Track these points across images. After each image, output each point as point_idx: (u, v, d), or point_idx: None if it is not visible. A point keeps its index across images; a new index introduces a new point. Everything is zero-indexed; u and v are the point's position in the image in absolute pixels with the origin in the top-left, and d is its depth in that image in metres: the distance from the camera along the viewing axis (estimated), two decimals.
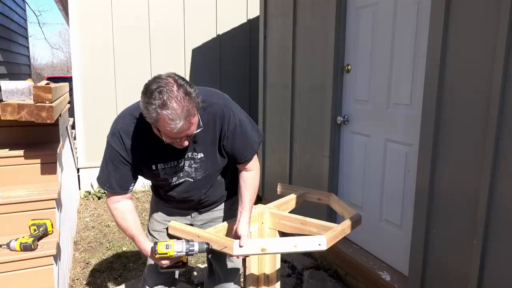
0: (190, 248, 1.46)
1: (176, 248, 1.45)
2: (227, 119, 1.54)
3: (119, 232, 3.77)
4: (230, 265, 1.89)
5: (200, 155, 1.58)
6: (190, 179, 1.63)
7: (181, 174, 1.61)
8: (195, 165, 1.59)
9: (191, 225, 1.76)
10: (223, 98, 1.58)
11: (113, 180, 1.55)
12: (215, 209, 1.80)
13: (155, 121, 1.30)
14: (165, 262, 1.50)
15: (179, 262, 1.55)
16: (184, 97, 1.28)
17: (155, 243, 1.47)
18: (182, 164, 1.58)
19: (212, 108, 1.51)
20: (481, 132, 1.79)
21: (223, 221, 1.78)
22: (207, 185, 1.69)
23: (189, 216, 1.78)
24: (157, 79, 1.32)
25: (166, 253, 1.45)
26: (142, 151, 1.52)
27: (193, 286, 2.78)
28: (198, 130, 1.40)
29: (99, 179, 1.59)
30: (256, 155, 1.68)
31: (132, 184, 1.59)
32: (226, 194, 1.79)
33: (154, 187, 1.80)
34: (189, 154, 1.57)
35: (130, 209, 1.60)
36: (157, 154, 1.53)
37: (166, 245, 1.45)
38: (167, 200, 1.75)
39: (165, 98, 1.26)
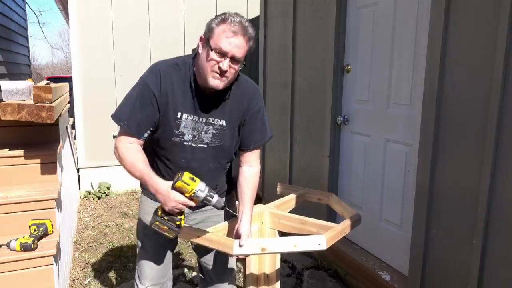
0: (210, 195, 1.38)
1: (199, 187, 1.36)
2: (256, 99, 1.65)
3: (119, 232, 3.77)
4: (222, 265, 1.87)
5: (223, 122, 1.60)
6: (203, 145, 1.60)
7: (196, 136, 1.57)
8: (213, 131, 1.59)
9: None
10: (253, 82, 1.70)
11: (134, 118, 1.50)
12: (208, 207, 1.75)
13: (216, 25, 1.43)
14: (177, 199, 1.37)
15: (175, 224, 1.44)
16: (248, 24, 1.45)
17: (182, 172, 1.38)
18: (204, 123, 1.57)
19: (246, 83, 1.63)
20: (481, 132, 1.79)
21: (215, 220, 1.77)
22: (215, 162, 1.65)
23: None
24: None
25: (189, 185, 1.35)
26: (174, 96, 1.52)
27: (193, 286, 2.78)
28: (240, 67, 1.48)
29: (116, 115, 1.52)
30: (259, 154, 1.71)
31: (148, 132, 1.54)
32: (220, 189, 1.77)
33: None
34: (211, 119, 1.58)
35: (140, 150, 1.53)
36: (187, 103, 1.54)
37: (192, 177, 1.37)
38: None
39: (235, 15, 1.44)
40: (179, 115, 1.54)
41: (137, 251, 1.82)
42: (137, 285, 1.80)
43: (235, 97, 1.58)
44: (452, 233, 1.98)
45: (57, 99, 2.74)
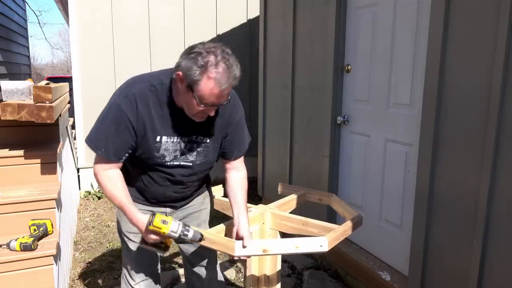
0: (185, 233, 1.40)
1: (172, 227, 1.39)
2: (236, 108, 1.61)
3: None
4: (198, 250, 1.85)
5: (206, 139, 1.58)
6: (188, 163, 1.59)
7: (179, 156, 1.56)
8: (198, 149, 1.57)
9: None
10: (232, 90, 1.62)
11: (111, 145, 1.46)
12: (189, 205, 1.78)
13: (199, 77, 1.31)
14: (154, 238, 1.43)
15: (163, 244, 1.50)
16: (232, 64, 1.36)
17: (153, 214, 1.40)
18: (187, 142, 1.55)
19: None
20: (481, 132, 1.79)
21: (196, 216, 1.80)
22: (199, 174, 1.66)
23: (164, 214, 1.74)
24: (203, 43, 1.37)
25: (160, 228, 1.38)
26: (152, 120, 1.48)
27: None
28: (227, 103, 1.44)
29: (92, 141, 1.47)
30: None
31: (127, 154, 1.50)
32: (199, 188, 1.78)
33: (135, 181, 1.67)
34: (194, 137, 1.55)
35: (120, 177, 1.53)
36: (166, 126, 1.50)
37: (163, 220, 1.39)
38: (145, 191, 1.66)
39: (218, 59, 1.32)
40: (158, 138, 1.50)
41: (123, 251, 1.82)
42: (128, 282, 1.81)
43: (217, 110, 1.50)
44: (452, 233, 1.98)
45: (57, 99, 2.74)
